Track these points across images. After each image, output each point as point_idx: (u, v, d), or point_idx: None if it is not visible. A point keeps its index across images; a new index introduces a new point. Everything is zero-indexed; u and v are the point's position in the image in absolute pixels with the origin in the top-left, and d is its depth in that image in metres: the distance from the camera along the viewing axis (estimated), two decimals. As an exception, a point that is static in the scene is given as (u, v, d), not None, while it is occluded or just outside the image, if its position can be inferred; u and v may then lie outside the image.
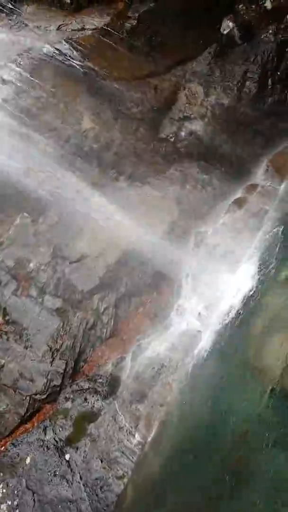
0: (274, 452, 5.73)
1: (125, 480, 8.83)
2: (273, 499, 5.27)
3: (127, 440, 9.15)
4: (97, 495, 8.89)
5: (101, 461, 9.14)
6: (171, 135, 11.07)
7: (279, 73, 10.28)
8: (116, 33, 10.75)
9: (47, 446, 9.61)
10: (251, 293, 8.60)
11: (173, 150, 11.21)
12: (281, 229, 9.07)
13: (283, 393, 6.29)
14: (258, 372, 7.16)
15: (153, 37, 10.77)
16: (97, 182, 10.80)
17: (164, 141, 11.26)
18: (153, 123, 11.21)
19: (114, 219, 10.53)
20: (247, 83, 10.47)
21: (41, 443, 9.61)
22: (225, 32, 10.54)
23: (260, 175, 10.66)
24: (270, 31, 10.28)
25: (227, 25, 10.44)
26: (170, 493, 7.96)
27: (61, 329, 10.38)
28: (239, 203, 10.30)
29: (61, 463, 9.38)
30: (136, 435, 9.11)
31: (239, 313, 8.76)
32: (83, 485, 9.08)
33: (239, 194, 10.61)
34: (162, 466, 8.51)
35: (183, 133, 10.95)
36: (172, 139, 11.09)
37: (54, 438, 9.65)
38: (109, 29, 10.70)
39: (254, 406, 6.85)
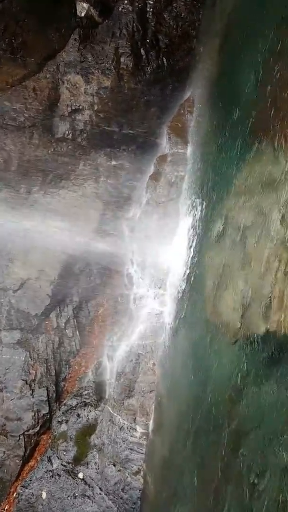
0: (253, 393, 6.05)
1: (142, 473, 9.01)
2: (267, 434, 5.56)
3: (131, 436, 9.29)
4: (121, 498, 9.01)
5: (114, 465, 9.24)
6: (67, 133, 10.77)
7: (148, 40, 10.25)
8: (-28, 46, 10.07)
9: (58, 474, 9.53)
10: (192, 258, 8.84)
11: (75, 146, 10.95)
12: (200, 189, 9.28)
13: (247, 341, 6.60)
14: (221, 329, 7.44)
15: (13, 40, 10.19)
16: (10, 202, 10.35)
17: (63, 140, 10.95)
18: (45, 126, 10.82)
19: (41, 234, 10.24)
20: (122, 59, 10.34)
21: (51, 474, 9.50)
22: (82, 14, 10.24)
23: (165, 144, 10.76)
24: (126, 2, 10.14)
25: (82, 7, 10.13)
26: (185, 465, 8.23)
27: (29, 359, 10.13)
28: (155, 177, 10.39)
29: (77, 483, 9.37)
30: (138, 428, 9.27)
31: (189, 280, 8.99)
32: (105, 494, 9.16)
33: (152, 169, 10.68)
34: (170, 443, 8.75)
35: (78, 127, 10.68)
36: (70, 136, 10.80)
37: (61, 464, 9.58)
38: None
39: (228, 360, 7.16)
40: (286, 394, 5.25)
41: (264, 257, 6.36)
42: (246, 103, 7.44)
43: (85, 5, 10.10)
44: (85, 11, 10.18)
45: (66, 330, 10.61)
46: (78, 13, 10.22)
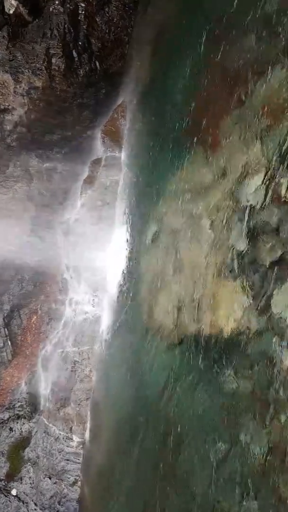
0: (187, 395, 6.19)
1: (79, 483, 8.80)
2: (204, 438, 5.67)
3: (67, 446, 9.04)
4: (58, 511, 8.72)
5: (50, 478, 8.92)
6: (-4, 133, 10.28)
7: (80, 43, 10.14)
8: None
9: (-12, 494, 8.96)
10: (128, 262, 8.87)
11: (4, 147, 10.47)
12: (135, 194, 9.36)
13: (181, 343, 6.76)
14: (156, 332, 7.53)
15: None
16: None
17: (-9, 141, 10.42)
18: (-29, 125, 10.22)
19: None
20: (54, 60, 10.11)
21: (-19, 495, 8.91)
22: (11, 11, 9.84)
23: (99, 148, 10.70)
24: (57, 2, 9.94)
25: (10, 4, 9.73)
26: (121, 470, 8.19)
27: None
28: (90, 181, 10.28)
29: (10, 501, 8.89)
30: (74, 438, 9.04)
31: (125, 284, 9.01)
32: (41, 509, 8.81)
33: (87, 172, 10.55)
34: (107, 450, 8.66)
35: (7, 127, 10.23)
36: (-2, 137, 10.32)
37: (-8, 483, 9.02)
38: None
39: (163, 363, 7.25)
40: (218, 395, 5.43)
41: (195, 260, 6.56)
42: (177, 109, 7.65)
43: (13, 2, 9.72)
44: (13, 8, 9.80)
45: (-3, 341, 10.08)
46: (6, 10, 9.81)
